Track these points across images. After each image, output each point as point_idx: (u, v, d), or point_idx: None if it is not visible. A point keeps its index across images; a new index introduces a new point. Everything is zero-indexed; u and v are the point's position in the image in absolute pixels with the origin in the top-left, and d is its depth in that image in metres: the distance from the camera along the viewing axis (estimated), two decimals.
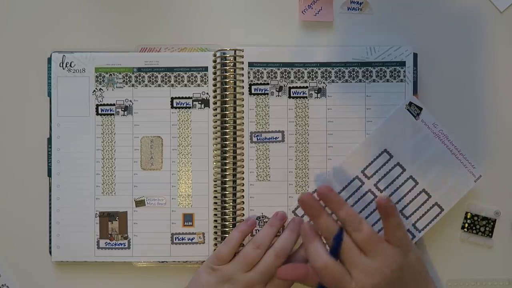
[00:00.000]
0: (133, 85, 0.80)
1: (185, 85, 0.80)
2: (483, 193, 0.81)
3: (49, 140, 0.80)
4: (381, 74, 0.79)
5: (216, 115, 0.79)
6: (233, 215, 0.79)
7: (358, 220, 0.71)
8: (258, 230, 0.78)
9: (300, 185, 0.79)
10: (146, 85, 0.80)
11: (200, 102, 0.80)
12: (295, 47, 0.80)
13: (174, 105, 0.80)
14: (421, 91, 0.80)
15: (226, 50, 0.79)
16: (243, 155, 0.79)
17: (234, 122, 0.79)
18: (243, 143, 0.79)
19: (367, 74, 0.79)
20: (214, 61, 0.79)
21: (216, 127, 0.79)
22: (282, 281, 0.75)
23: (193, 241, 0.79)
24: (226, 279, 0.74)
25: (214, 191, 0.79)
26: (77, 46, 0.81)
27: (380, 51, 0.79)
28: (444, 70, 0.81)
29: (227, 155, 0.79)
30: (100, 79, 0.80)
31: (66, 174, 0.80)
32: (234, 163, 0.79)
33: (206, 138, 0.80)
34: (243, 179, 0.79)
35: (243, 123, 0.79)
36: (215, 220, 0.79)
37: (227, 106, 0.79)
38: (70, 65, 0.80)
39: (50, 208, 0.80)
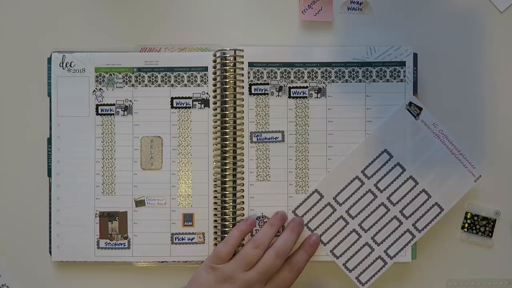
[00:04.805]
0: (133, 85, 0.80)
1: (185, 85, 0.80)
2: (483, 193, 0.81)
3: (49, 140, 0.80)
4: (381, 74, 0.79)
5: (216, 115, 0.79)
6: (233, 215, 0.79)
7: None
8: (258, 230, 0.78)
9: (300, 185, 0.79)
10: (146, 85, 0.80)
11: (200, 102, 0.80)
12: (295, 47, 0.80)
13: (174, 105, 0.80)
14: (421, 91, 0.80)
15: (226, 50, 0.79)
16: (243, 155, 0.79)
17: (234, 122, 0.79)
18: (243, 143, 0.79)
19: (367, 74, 0.79)
20: (214, 61, 0.79)
21: (216, 127, 0.79)
22: (281, 281, 0.75)
23: (193, 241, 0.79)
24: (226, 278, 0.74)
25: (214, 191, 0.79)
26: (77, 46, 0.81)
27: (380, 51, 0.79)
28: (444, 70, 0.81)
29: (227, 155, 0.79)
30: (100, 79, 0.80)
31: (66, 174, 0.80)
32: (234, 163, 0.79)
33: (206, 138, 0.80)
34: (243, 179, 0.79)
35: (243, 123, 0.79)
36: (215, 220, 0.79)
37: (227, 106, 0.79)
38: (70, 65, 0.80)
39: (50, 208, 0.80)
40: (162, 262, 0.80)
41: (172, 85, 0.80)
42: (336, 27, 0.81)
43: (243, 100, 0.79)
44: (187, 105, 0.80)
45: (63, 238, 0.80)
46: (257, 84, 0.80)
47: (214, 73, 0.79)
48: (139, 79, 0.80)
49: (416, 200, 0.78)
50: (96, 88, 0.80)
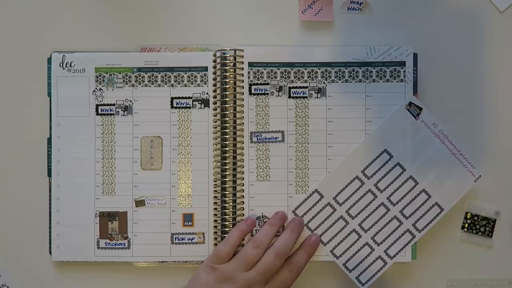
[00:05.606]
0: (133, 85, 0.80)
1: (185, 85, 0.80)
2: (483, 193, 0.81)
3: (49, 140, 0.80)
4: (381, 74, 0.79)
5: (216, 115, 0.79)
6: (233, 215, 0.79)
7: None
8: (258, 230, 0.78)
9: (300, 185, 0.79)
10: (146, 85, 0.80)
11: (200, 102, 0.80)
12: (295, 47, 0.80)
13: (174, 105, 0.80)
14: (421, 91, 0.80)
15: (226, 50, 0.79)
16: (243, 155, 0.79)
17: (234, 122, 0.79)
18: (243, 143, 0.79)
19: (367, 74, 0.79)
20: (214, 61, 0.79)
21: (216, 127, 0.79)
22: (281, 281, 0.75)
23: (193, 241, 0.79)
24: (226, 278, 0.74)
25: (214, 191, 0.79)
26: (77, 46, 0.81)
27: (380, 51, 0.79)
28: (444, 70, 0.81)
29: (227, 155, 0.79)
30: (100, 79, 0.80)
31: (66, 174, 0.80)
32: (234, 163, 0.79)
33: (206, 138, 0.80)
34: (243, 179, 0.79)
35: (243, 123, 0.79)
36: (215, 220, 0.79)
37: (227, 106, 0.79)
38: (70, 65, 0.80)
39: (50, 208, 0.80)
40: (162, 262, 0.80)
41: (172, 85, 0.80)
42: (336, 27, 0.81)
43: (243, 100, 0.79)
44: (187, 105, 0.80)
45: (63, 238, 0.80)
46: (257, 84, 0.80)
47: (214, 73, 0.79)
48: (139, 79, 0.80)
49: (416, 200, 0.78)
50: (96, 88, 0.80)
